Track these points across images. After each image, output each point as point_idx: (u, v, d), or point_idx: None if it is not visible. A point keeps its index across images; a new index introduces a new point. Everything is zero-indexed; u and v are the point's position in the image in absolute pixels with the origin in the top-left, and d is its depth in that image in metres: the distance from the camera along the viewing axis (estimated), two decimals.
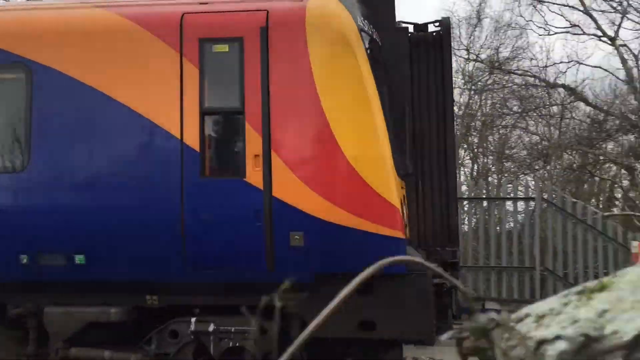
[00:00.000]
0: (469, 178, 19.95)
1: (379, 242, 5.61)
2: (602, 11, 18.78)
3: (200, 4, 6.21)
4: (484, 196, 12.89)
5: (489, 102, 22.04)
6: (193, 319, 5.79)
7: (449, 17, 7.96)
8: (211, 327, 5.74)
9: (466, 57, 21.03)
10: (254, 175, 5.67)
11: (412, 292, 5.71)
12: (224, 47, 5.91)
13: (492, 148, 22.07)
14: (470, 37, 21.52)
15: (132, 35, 5.95)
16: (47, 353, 5.83)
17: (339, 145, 5.68)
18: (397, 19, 6.71)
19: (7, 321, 6.04)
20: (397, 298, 5.67)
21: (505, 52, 21.12)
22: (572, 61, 19.79)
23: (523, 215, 13.20)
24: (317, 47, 5.77)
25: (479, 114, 21.90)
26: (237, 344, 5.70)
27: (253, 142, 5.71)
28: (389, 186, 5.67)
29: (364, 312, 5.63)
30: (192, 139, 5.77)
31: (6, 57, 6.00)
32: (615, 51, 18.50)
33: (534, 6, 19.73)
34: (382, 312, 5.69)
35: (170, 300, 5.88)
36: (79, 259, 5.76)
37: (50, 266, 5.80)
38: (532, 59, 20.51)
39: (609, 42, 18.83)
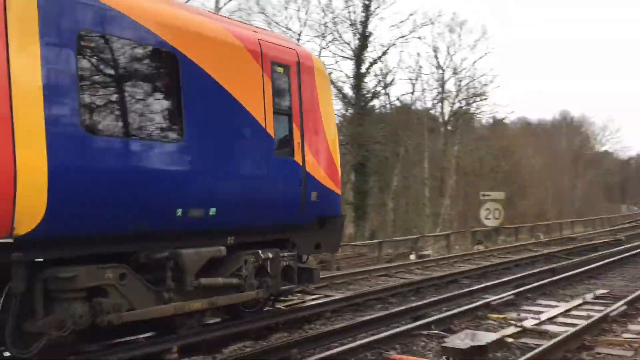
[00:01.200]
0: None
1: (338, 198, 10.10)
2: None
3: (254, 31, 8.93)
4: None
5: None
6: (260, 250, 8.65)
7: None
8: (270, 254, 8.79)
9: None
10: (297, 156, 9.12)
11: (338, 225, 10.42)
12: (281, 69, 8.87)
13: None
14: None
15: (241, 52, 8.26)
16: (183, 285, 7.51)
17: (327, 141, 9.80)
18: None
19: (137, 266, 7.24)
20: (332, 229, 10.25)
21: None
22: None
23: None
24: (319, 80, 9.68)
25: None
26: (287, 264, 9.04)
27: (296, 135, 9.12)
28: (339, 166, 10.22)
29: (317, 238, 9.98)
30: (270, 130, 8.63)
31: (162, 45, 7.26)
32: None
33: None
34: (324, 238, 10.13)
35: (239, 240, 8.52)
36: (212, 211, 7.76)
37: (192, 217, 7.53)
38: None
39: None
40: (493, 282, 13.53)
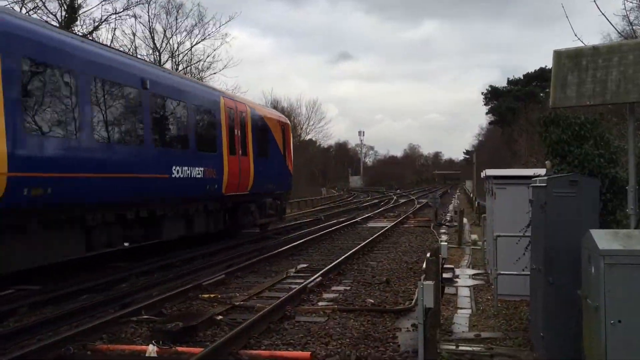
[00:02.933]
0: None
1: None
2: None
3: (279, 115, 23.86)
4: None
5: None
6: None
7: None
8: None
9: None
10: (289, 165, 23.66)
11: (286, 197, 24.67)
12: (280, 130, 22.11)
13: None
14: None
15: (273, 120, 21.50)
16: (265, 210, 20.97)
17: (288, 166, 22.81)
18: None
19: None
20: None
21: None
22: None
23: None
24: (289, 131, 23.58)
25: None
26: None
27: (287, 156, 23.14)
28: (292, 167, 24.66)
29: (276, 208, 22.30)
30: (283, 153, 22.40)
31: (264, 122, 20.80)
32: None
33: None
34: (280, 207, 22.83)
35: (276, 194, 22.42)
36: (272, 187, 21.27)
37: (268, 190, 20.92)
38: None
39: None
40: (205, 264, 13.84)
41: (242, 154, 18.10)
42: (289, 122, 23.92)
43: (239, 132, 17.90)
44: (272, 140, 21.05)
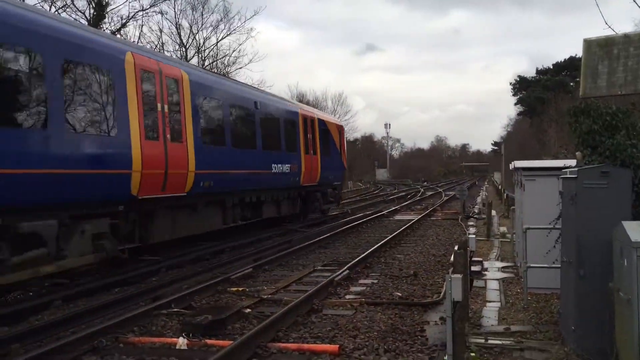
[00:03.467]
0: None
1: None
2: None
3: (335, 120, 28.98)
4: None
5: None
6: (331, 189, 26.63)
7: None
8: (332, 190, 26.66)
9: None
10: (344, 160, 28.05)
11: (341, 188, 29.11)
12: (337, 133, 26.71)
13: None
14: None
15: (332, 125, 26.30)
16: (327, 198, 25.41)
17: (343, 162, 27.69)
18: None
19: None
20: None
21: None
22: None
23: None
24: (343, 133, 28.50)
25: None
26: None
27: (342, 154, 27.88)
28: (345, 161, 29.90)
29: (335, 196, 26.92)
30: (340, 151, 26.91)
31: (325, 127, 25.43)
32: None
33: None
34: (337, 195, 27.50)
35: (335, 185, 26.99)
36: (331, 177, 25.56)
37: (328, 180, 25.15)
38: None
39: None
40: (233, 258, 13.97)
41: (313, 153, 22.79)
42: (343, 125, 29.89)
43: (310, 135, 22.79)
44: (331, 141, 25.70)
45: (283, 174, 19.53)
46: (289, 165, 20.03)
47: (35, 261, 9.33)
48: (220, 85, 16.00)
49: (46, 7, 26.33)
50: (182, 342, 7.13)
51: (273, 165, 18.68)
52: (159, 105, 12.46)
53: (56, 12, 25.94)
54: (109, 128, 10.91)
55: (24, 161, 8.90)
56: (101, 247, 10.79)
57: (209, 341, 7.19)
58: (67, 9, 28.44)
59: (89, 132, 10.45)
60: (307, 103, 60.70)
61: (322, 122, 24.63)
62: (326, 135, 24.84)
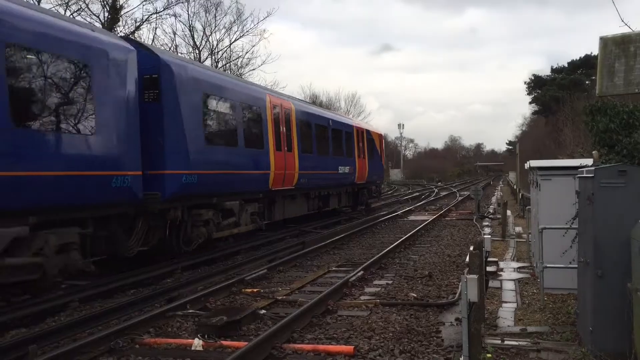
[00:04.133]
0: None
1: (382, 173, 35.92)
2: None
3: (375, 129, 33.53)
4: None
5: None
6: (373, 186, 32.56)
7: None
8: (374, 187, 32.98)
9: None
10: (382, 161, 34.50)
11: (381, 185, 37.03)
12: (378, 140, 32.84)
13: None
14: None
15: (375, 134, 32.17)
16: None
17: (382, 164, 35.36)
18: None
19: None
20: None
21: None
22: None
23: None
24: (382, 140, 34.97)
25: None
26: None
27: (382, 156, 33.85)
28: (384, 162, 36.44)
29: (377, 192, 34.37)
30: (380, 153, 33.08)
31: (370, 135, 31.20)
32: None
33: None
34: (378, 191, 35.05)
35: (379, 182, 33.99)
36: (373, 177, 30.83)
37: (365, 180, 29.37)
38: None
39: None
40: (247, 259, 14.00)
41: (362, 158, 28.52)
42: (383, 134, 36.77)
43: (361, 144, 28.62)
44: (374, 147, 31.41)
45: (345, 174, 25.42)
46: (348, 167, 25.91)
47: (229, 225, 15.24)
48: (312, 112, 22.97)
49: (61, 10, 26.58)
50: (197, 343, 7.15)
51: (339, 167, 24.58)
52: (281, 127, 18.60)
53: (71, 16, 26.19)
54: (262, 144, 17.22)
55: (233, 166, 15.16)
56: (255, 220, 16.88)
57: (224, 342, 7.21)
58: (82, 13, 28.71)
59: (254, 148, 16.71)
60: (320, 104, 60.73)
61: (368, 132, 30.64)
62: (371, 142, 30.76)
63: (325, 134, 23.39)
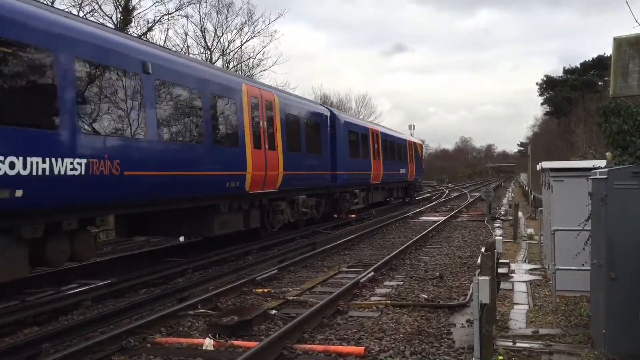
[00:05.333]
0: None
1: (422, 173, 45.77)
2: None
3: (409, 137, 41.98)
4: None
5: None
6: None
7: None
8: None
9: None
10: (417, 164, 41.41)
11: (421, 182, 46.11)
12: (420, 148, 46.96)
13: None
14: None
15: (417, 144, 42.50)
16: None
17: (422, 166, 46.48)
18: None
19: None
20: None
21: None
22: None
23: None
24: (420, 147, 44.75)
25: None
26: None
27: (417, 160, 41.25)
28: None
29: (419, 187, 45.58)
30: (413, 156, 39.66)
31: (404, 142, 38.19)
32: None
33: None
34: (419, 187, 47.06)
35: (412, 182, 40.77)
36: (407, 175, 37.57)
37: (411, 183, 39.31)
38: None
39: None
40: (258, 259, 14.03)
41: (410, 162, 37.69)
42: (421, 143, 46.73)
43: (411, 152, 38.19)
44: (417, 154, 40.73)
45: (401, 174, 35.07)
46: (405, 169, 36.03)
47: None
48: (391, 136, 34.27)
49: (74, 11, 26.75)
50: (208, 342, 7.18)
51: (400, 169, 34.74)
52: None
53: (84, 16, 26.37)
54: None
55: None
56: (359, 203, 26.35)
57: (235, 342, 7.23)
58: (95, 14, 28.87)
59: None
60: (331, 104, 60.74)
61: (413, 143, 40.30)
62: (416, 150, 40.51)
63: (394, 147, 33.83)
